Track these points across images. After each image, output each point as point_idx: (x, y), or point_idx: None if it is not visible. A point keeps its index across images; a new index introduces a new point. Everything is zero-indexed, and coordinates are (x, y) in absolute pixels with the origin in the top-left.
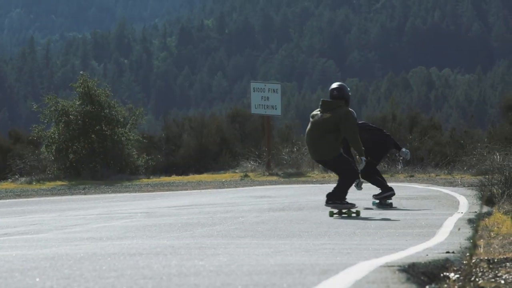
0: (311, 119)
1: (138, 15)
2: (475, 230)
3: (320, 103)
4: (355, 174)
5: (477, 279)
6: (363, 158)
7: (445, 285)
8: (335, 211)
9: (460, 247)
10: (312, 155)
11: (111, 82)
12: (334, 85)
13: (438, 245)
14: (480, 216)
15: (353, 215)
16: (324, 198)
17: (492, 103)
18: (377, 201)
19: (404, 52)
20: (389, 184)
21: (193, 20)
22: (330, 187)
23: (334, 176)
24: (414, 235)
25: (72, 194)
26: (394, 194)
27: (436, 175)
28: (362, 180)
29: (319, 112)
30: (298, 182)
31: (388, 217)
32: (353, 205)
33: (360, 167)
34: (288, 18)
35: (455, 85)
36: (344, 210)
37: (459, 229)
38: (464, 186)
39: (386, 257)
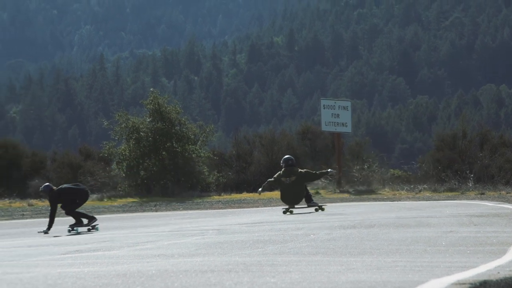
0: (283, 179)
1: (207, 32)
2: None
3: (285, 171)
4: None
5: None
6: (329, 170)
7: None
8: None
9: None
10: (292, 203)
11: (181, 99)
12: (288, 156)
13: (509, 263)
14: None
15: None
16: (394, 215)
17: None
18: None
19: (473, 69)
20: (460, 202)
21: (262, 37)
22: (401, 204)
23: (404, 194)
24: (485, 253)
25: (143, 211)
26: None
27: (507, 193)
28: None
29: (287, 179)
30: (369, 199)
31: (459, 235)
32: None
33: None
34: (357, 35)
35: None
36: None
37: None
38: None
39: (457, 274)
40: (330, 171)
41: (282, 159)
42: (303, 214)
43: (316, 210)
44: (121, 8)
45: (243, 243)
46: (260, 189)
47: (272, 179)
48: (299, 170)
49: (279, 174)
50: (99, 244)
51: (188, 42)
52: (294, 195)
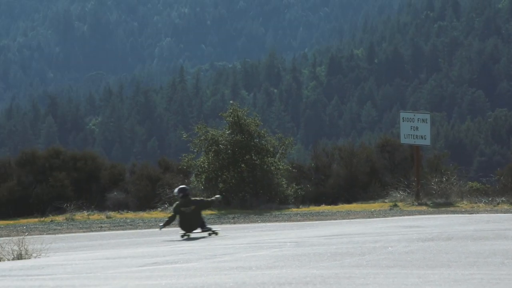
0: (183, 209)
1: (287, 45)
2: None
3: (183, 201)
4: None
5: None
6: (215, 196)
7: None
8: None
9: None
10: (190, 229)
11: (260, 112)
12: (183, 186)
13: None
14: None
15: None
16: (472, 228)
17: None
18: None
19: None
20: None
21: (342, 50)
22: (479, 217)
23: (483, 206)
24: None
25: (222, 223)
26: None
27: None
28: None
29: (186, 208)
30: (447, 212)
31: None
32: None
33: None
34: (437, 48)
35: None
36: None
37: None
38: None
39: None
40: (216, 198)
41: (178, 189)
42: (381, 227)
43: (210, 234)
44: (202, 20)
45: (320, 255)
46: (161, 224)
47: (172, 213)
48: (193, 198)
49: (177, 204)
50: (177, 256)
51: (268, 54)
52: (192, 222)
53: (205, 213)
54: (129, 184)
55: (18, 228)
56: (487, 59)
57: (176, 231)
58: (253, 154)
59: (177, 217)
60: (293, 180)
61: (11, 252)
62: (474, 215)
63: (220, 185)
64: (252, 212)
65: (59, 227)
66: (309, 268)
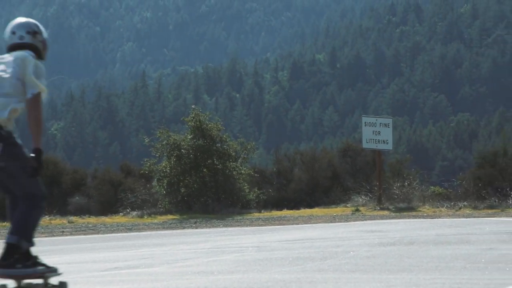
0: None
1: (249, 49)
2: None
3: None
4: None
5: None
6: None
7: None
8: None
9: None
10: None
11: (222, 116)
12: None
13: None
14: None
15: None
16: (434, 233)
17: None
18: None
19: None
20: (500, 219)
21: (304, 55)
22: (441, 221)
23: (445, 211)
24: None
25: (183, 228)
26: None
27: None
28: None
29: None
30: (409, 217)
31: (499, 252)
32: None
33: None
34: (399, 52)
35: None
36: None
37: None
38: None
39: None
40: None
41: None
42: (343, 232)
43: None
44: (164, 25)
45: (282, 260)
46: None
47: None
48: None
49: None
50: (139, 261)
51: (230, 59)
52: None
53: (167, 217)
54: (91, 189)
55: None
56: (449, 64)
57: (138, 236)
58: (215, 159)
59: None
60: (255, 184)
61: None
62: (436, 219)
63: (182, 190)
64: (214, 216)
65: None
66: (271, 273)
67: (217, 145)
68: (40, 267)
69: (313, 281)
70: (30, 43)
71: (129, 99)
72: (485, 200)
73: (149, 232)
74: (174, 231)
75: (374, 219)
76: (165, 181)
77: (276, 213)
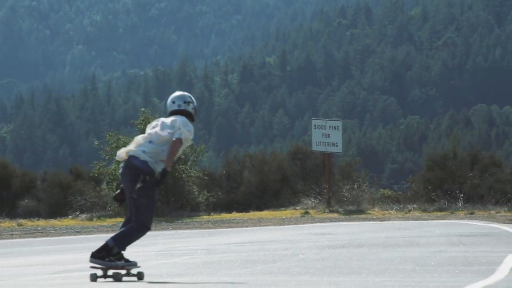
0: None
1: (199, 52)
2: None
3: None
4: None
5: None
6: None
7: None
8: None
9: None
10: None
11: None
12: None
13: (497, 283)
14: None
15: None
16: (383, 235)
17: None
18: None
19: (465, 89)
20: (449, 221)
21: (254, 58)
22: (391, 224)
23: (394, 213)
24: (473, 272)
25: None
26: None
27: (497, 212)
28: None
29: None
30: (358, 219)
31: (448, 254)
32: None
33: None
34: (349, 55)
35: None
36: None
37: None
38: None
39: None
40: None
41: None
42: (292, 234)
43: None
44: (114, 28)
45: (232, 262)
46: None
47: None
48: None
49: None
50: (88, 264)
51: (180, 62)
52: None
53: (116, 220)
54: (40, 192)
55: None
56: (399, 67)
57: (87, 239)
58: None
59: None
60: (204, 187)
61: None
62: (386, 222)
63: None
64: (164, 219)
65: None
66: (220, 276)
67: None
68: (122, 262)
69: (262, 284)
70: (184, 109)
71: (79, 102)
72: (435, 203)
73: (98, 235)
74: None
75: (323, 222)
76: (115, 184)
77: (225, 216)
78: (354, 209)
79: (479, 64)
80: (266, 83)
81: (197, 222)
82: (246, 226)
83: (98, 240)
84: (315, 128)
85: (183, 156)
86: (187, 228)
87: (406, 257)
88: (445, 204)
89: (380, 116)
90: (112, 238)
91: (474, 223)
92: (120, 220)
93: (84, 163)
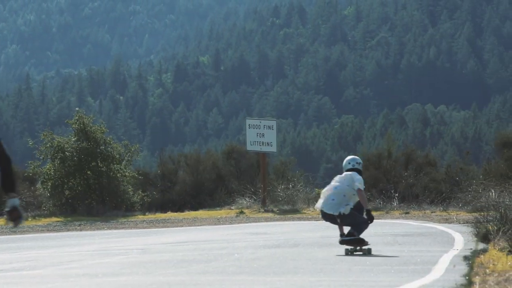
0: None
1: (133, 52)
2: (471, 267)
3: None
4: None
5: None
6: None
7: None
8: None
9: (455, 284)
10: None
11: (106, 119)
12: None
13: (433, 282)
14: (475, 253)
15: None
16: (318, 235)
17: (487, 140)
18: None
19: (399, 89)
20: (384, 221)
21: (188, 57)
22: (326, 223)
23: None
24: (409, 272)
25: (68, 230)
26: None
27: (432, 212)
28: None
29: None
30: (293, 219)
31: (383, 254)
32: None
33: None
34: (283, 54)
35: (451, 122)
36: None
37: (454, 266)
38: (459, 223)
39: None
40: None
41: None
42: (227, 234)
43: None
44: (48, 28)
45: (167, 262)
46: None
47: None
48: None
49: None
50: (24, 264)
51: (114, 61)
52: None
53: (51, 219)
54: None
55: None
56: (333, 66)
57: (22, 238)
58: (99, 161)
59: None
60: (139, 187)
61: None
62: (321, 221)
63: (66, 192)
64: (99, 219)
65: None
66: (156, 275)
67: (101, 147)
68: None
69: (198, 284)
70: (357, 168)
71: (13, 102)
72: (370, 202)
73: (33, 235)
74: (59, 234)
75: (258, 222)
76: (49, 183)
77: (160, 216)
78: (289, 209)
79: (413, 63)
80: (200, 83)
81: (132, 221)
82: (181, 226)
83: (34, 239)
84: (249, 128)
85: (117, 156)
86: (122, 228)
87: (341, 257)
88: (380, 203)
89: (314, 115)
90: (351, 230)
91: (409, 222)
92: (55, 219)
93: (19, 163)
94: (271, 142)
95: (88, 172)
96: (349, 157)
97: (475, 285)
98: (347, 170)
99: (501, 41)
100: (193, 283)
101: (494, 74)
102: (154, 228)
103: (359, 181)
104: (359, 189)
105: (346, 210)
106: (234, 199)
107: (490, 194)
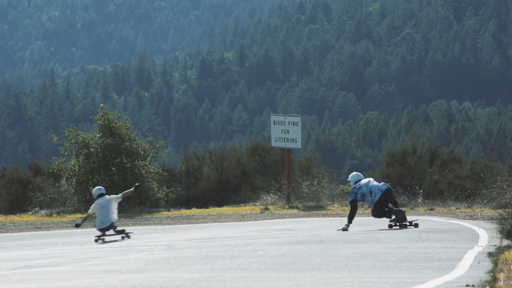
0: None
1: (158, 48)
2: (495, 264)
3: None
4: None
5: None
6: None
7: None
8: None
9: (480, 280)
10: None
11: (131, 115)
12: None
13: (458, 279)
14: (500, 250)
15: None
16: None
17: None
18: None
19: (424, 85)
20: (409, 217)
21: (213, 53)
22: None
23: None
24: (434, 268)
25: (92, 226)
26: None
27: (456, 209)
28: None
29: None
30: (318, 215)
31: (408, 250)
32: None
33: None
34: (308, 51)
35: (475, 118)
36: None
37: (479, 262)
38: (484, 220)
39: None
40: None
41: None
42: (252, 230)
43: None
44: (73, 24)
45: (191, 258)
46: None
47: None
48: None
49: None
50: (48, 260)
51: (139, 57)
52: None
53: (76, 216)
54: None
55: None
56: (358, 62)
57: (47, 235)
58: (123, 157)
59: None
60: (164, 183)
61: None
62: (345, 218)
63: (91, 188)
64: (123, 215)
65: None
66: (180, 272)
67: (125, 143)
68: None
69: (222, 280)
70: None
71: (37, 98)
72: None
73: (58, 231)
74: (83, 230)
75: (283, 218)
76: (74, 179)
77: (185, 212)
78: (313, 205)
79: (438, 60)
80: (225, 79)
81: (156, 218)
82: (206, 222)
83: (58, 236)
84: (274, 124)
85: (142, 152)
86: (147, 224)
87: (366, 253)
88: (405, 200)
89: (339, 112)
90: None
91: (434, 219)
92: (80, 215)
93: (43, 159)
94: (295, 139)
95: (113, 169)
96: (353, 174)
97: (499, 282)
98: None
99: None
100: (217, 280)
101: None
102: (178, 225)
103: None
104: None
105: None
106: (259, 196)
107: None
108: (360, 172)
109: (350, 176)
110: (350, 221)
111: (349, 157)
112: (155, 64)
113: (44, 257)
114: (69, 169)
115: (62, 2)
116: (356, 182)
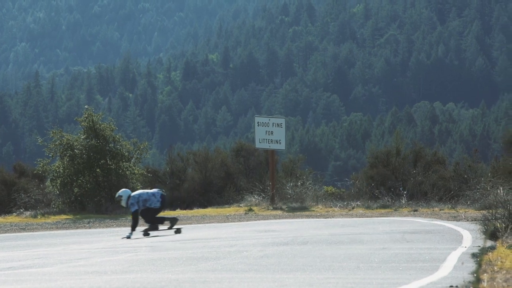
0: None
1: (142, 50)
2: (479, 265)
3: None
4: None
5: None
6: None
7: None
8: None
9: (463, 281)
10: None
11: (115, 116)
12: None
13: (441, 279)
14: (483, 251)
15: None
16: (327, 232)
17: (495, 138)
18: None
19: (408, 86)
20: (393, 218)
21: (197, 55)
22: (334, 221)
23: (338, 210)
24: (417, 269)
25: (77, 227)
26: None
27: (440, 210)
28: None
29: None
30: (302, 216)
31: (392, 251)
32: None
33: None
34: (292, 52)
35: (459, 120)
36: None
37: (462, 263)
38: (467, 221)
39: None
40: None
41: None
42: (236, 231)
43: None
44: (57, 25)
45: (176, 260)
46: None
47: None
48: None
49: None
50: (33, 261)
51: (123, 59)
52: None
53: (60, 217)
54: None
55: None
56: (342, 64)
57: (31, 236)
58: (108, 159)
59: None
60: (148, 184)
61: None
62: (329, 219)
63: (76, 189)
64: (108, 216)
65: None
66: (164, 273)
67: (110, 145)
68: None
69: (206, 281)
70: None
71: (22, 99)
72: (378, 200)
73: (42, 232)
74: (68, 231)
75: (267, 219)
76: (59, 181)
77: (169, 213)
78: (297, 206)
79: (421, 61)
80: (209, 80)
81: (141, 219)
82: (190, 223)
83: (43, 237)
84: (258, 126)
85: (126, 154)
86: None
87: (350, 254)
88: (388, 201)
89: (323, 113)
90: None
91: (418, 220)
92: (65, 217)
93: (28, 161)
94: (280, 140)
95: (97, 170)
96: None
97: (483, 283)
98: None
99: (509, 38)
100: (201, 281)
101: (502, 72)
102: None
103: None
104: None
105: None
106: (243, 197)
107: (498, 191)
108: (344, 173)
109: (120, 192)
110: (133, 228)
111: (333, 159)
112: (140, 66)
113: (29, 258)
114: (53, 170)
115: (47, 3)
116: (129, 196)
